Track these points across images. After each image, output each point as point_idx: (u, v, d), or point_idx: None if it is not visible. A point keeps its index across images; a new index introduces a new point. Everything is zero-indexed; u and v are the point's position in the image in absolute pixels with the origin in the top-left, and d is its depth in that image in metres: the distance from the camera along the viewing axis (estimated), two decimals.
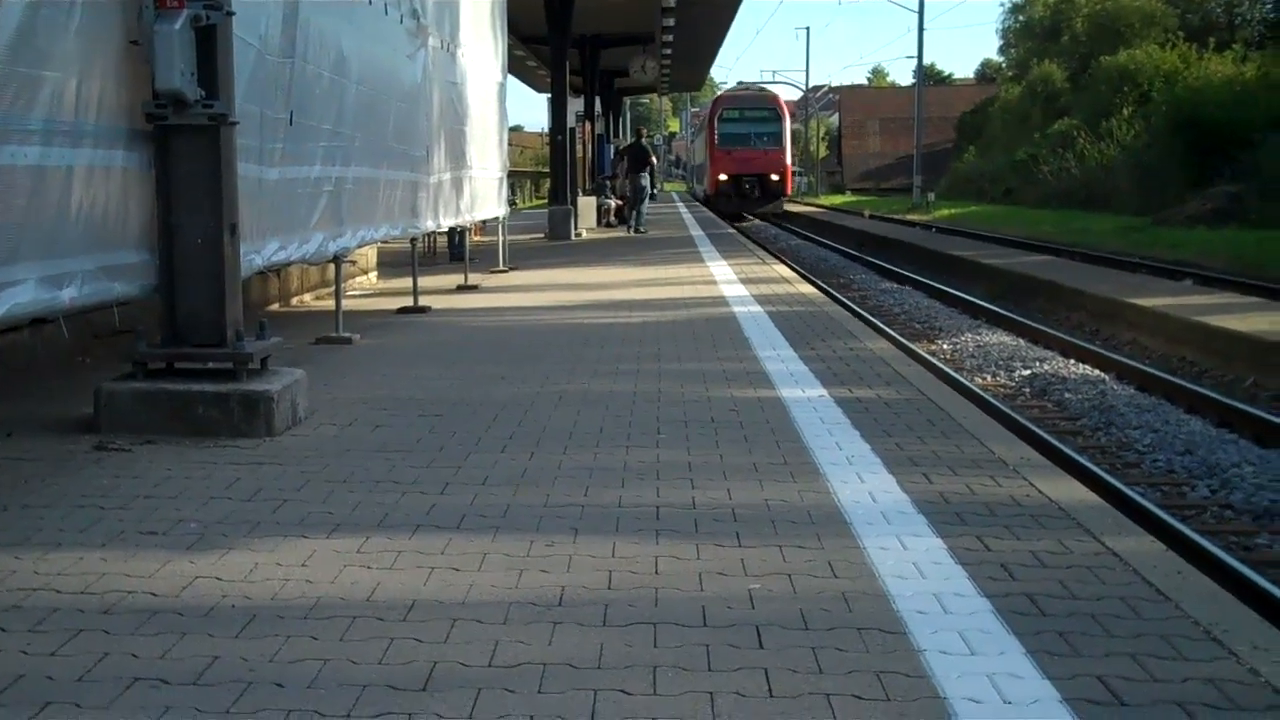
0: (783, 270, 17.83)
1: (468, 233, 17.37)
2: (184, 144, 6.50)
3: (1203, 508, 7.76)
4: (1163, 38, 49.73)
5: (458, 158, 14.34)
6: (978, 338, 15.44)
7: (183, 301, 6.64)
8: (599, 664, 3.46)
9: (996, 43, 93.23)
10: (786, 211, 49.90)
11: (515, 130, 68.20)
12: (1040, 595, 4.01)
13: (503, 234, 18.33)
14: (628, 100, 63.13)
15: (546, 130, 39.58)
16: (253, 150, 7.42)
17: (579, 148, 33.04)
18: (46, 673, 3.40)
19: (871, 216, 47.06)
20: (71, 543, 4.63)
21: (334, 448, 6.25)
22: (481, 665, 3.46)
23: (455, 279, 15.73)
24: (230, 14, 6.53)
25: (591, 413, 7.11)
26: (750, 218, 47.24)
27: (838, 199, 70.38)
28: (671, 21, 29.55)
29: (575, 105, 33.20)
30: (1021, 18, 70.99)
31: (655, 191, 37.08)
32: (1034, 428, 9.44)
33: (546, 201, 31.08)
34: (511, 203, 25.51)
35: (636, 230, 27.72)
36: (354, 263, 15.02)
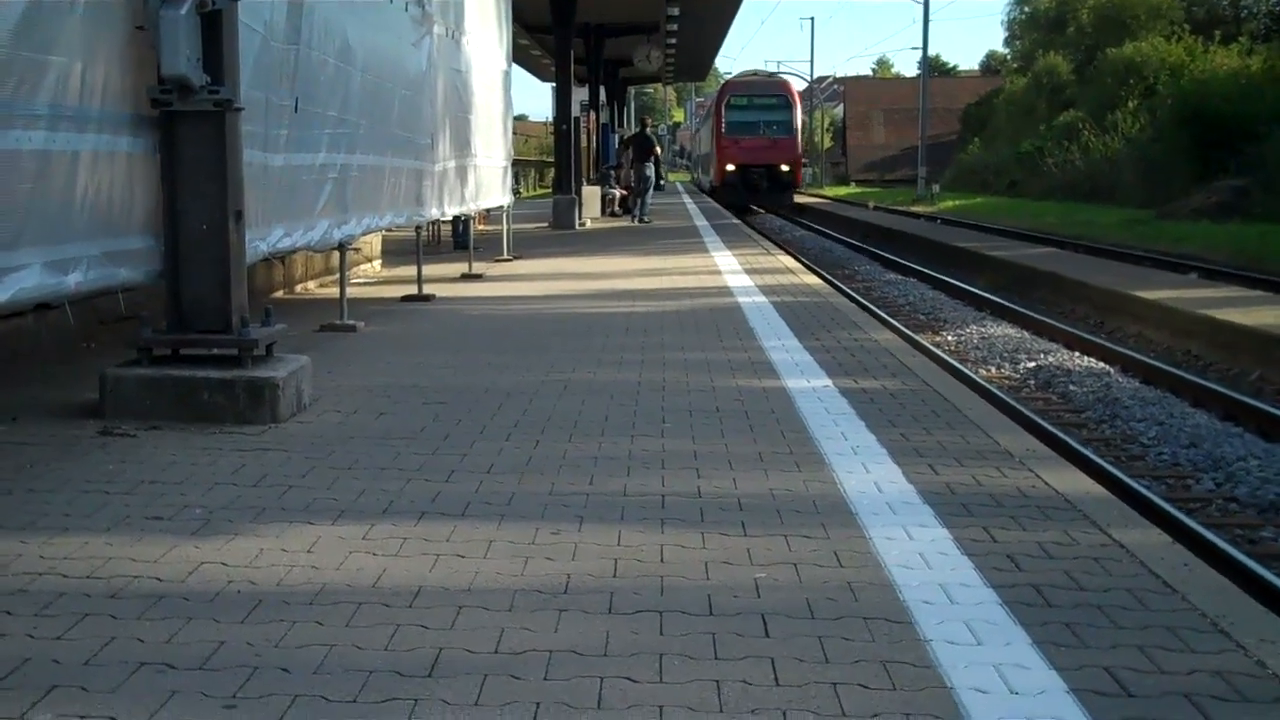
0: (787, 261, 17.81)
1: (472, 221, 17.36)
2: (189, 130, 6.49)
3: (1208, 501, 7.76)
4: (1168, 30, 49.68)
5: (462, 146, 14.33)
6: (982, 329, 15.42)
7: (188, 287, 6.64)
8: (605, 651, 3.46)
9: (1002, 34, 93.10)
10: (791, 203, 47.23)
11: (520, 119, 68.17)
12: (1046, 586, 4.01)
13: (507, 223, 18.31)
14: (632, 90, 63.02)
15: (551, 119, 39.48)
16: (258, 137, 7.41)
17: (583, 137, 33.00)
18: (53, 656, 3.40)
19: (876, 208, 46.92)
20: (77, 527, 4.63)
21: (339, 434, 6.24)
22: (488, 652, 3.45)
23: (459, 267, 15.72)
24: (236, 0, 6.52)
25: (596, 401, 7.11)
26: (758, 210, 45.23)
27: (842, 190, 70.32)
28: (676, 11, 29.53)
29: (580, 95, 33.22)
30: (1027, 9, 70.91)
31: (663, 183, 37.01)
32: (1039, 420, 9.44)
33: (551, 191, 31.08)
34: (516, 192, 25.49)
35: (641, 220, 27.70)
36: (358, 250, 15.01)
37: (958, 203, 46.60)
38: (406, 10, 11.39)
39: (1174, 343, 13.73)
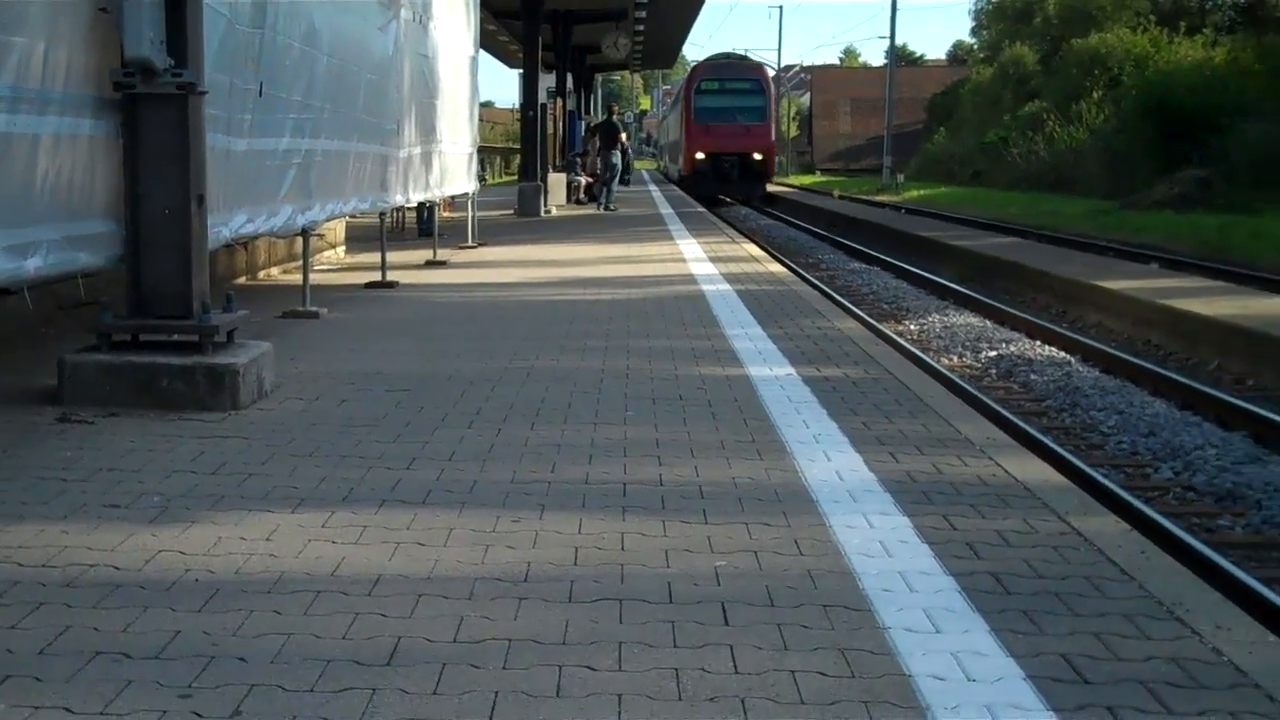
0: (752, 249, 17.83)
1: (437, 208, 17.29)
2: (152, 113, 6.44)
3: (1166, 489, 7.81)
4: (1134, 21, 49.85)
5: (428, 132, 14.27)
6: (945, 319, 15.48)
7: (148, 273, 6.59)
8: (564, 640, 3.46)
9: (969, 24, 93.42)
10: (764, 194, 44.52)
11: (486, 106, 67.91)
12: (1005, 574, 4.03)
13: (472, 210, 18.25)
14: (599, 77, 62.87)
15: (518, 106, 39.29)
16: (221, 120, 7.36)
17: (550, 124, 32.92)
18: (7, 646, 3.37)
19: (841, 197, 46.94)
20: (33, 515, 4.59)
21: (300, 422, 6.21)
22: (447, 641, 3.45)
23: (424, 254, 15.66)
24: None
25: (559, 389, 7.10)
26: (729, 201, 43.01)
27: (808, 179, 70.40)
28: None
29: (547, 81, 33.10)
30: (994, 0, 71.08)
31: (629, 177, 36.80)
32: (1000, 408, 9.48)
33: (517, 178, 30.99)
34: (481, 178, 25.41)
35: (606, 208, 27.67)
36: (322, 236, 14.93)
37: (922, 192, 46.72)
38: None
39: (1134, 332, 13.82)
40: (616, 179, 29.14)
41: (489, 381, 7.31)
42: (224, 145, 7.46)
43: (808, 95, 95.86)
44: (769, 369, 7.74)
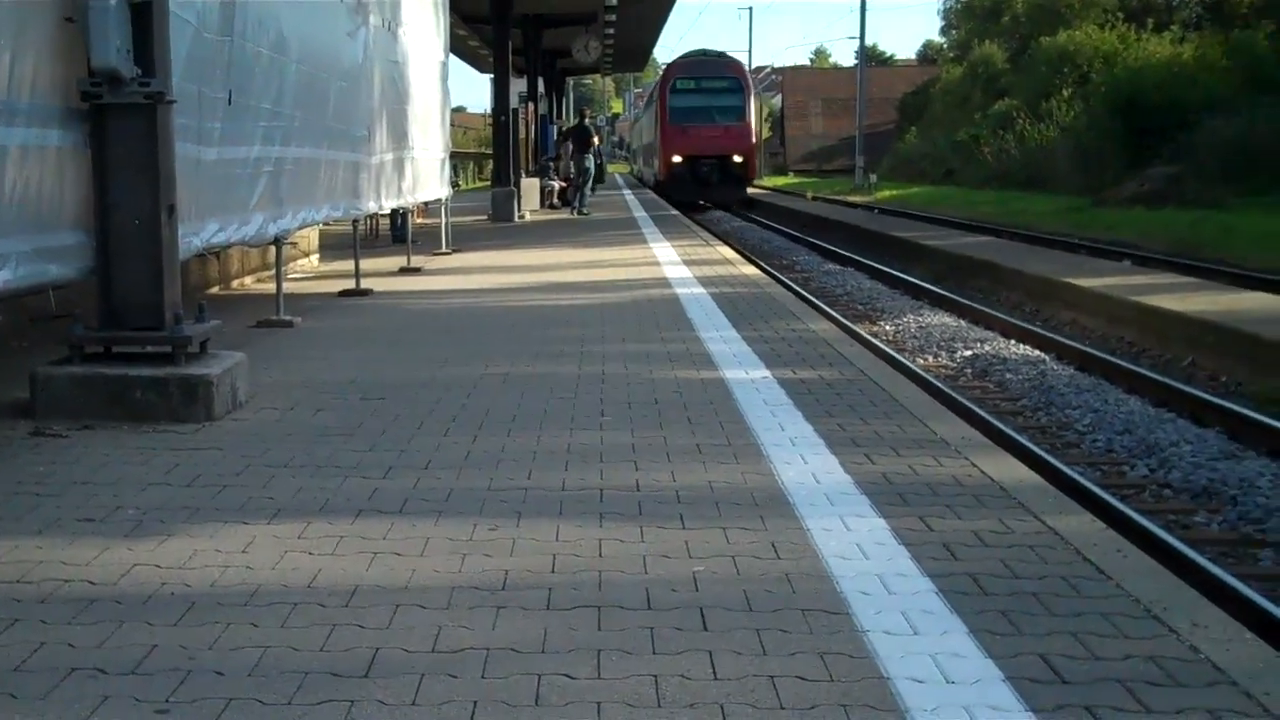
0: (726, 252, 17.84)
1: (410, 214, 17.26)
2: (120, 123, 6.40)
3: (1141, 487, 7.84)
4: (1102, 19, 50.10)
5: (400, 138, 14.25)
6: (919, 319, 15.51)
7: (120, 284, 6.55)
8: (543, 648, 3.45)
9: (938, 24, 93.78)
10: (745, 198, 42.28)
11: (458, 111, 67.90)
12: (982, 575, 4.04)
13: (445, 216, 18.21)
14: (571, 81, 62.89)
15: (489, 111, 39.15)
16: (190, 130, 7.32)
17: (522, 129, 32.88)
18: None
19: (814, 198, 46.97)
20: (7, 531, 4.56)
21: (275, 432, 6.19)
22: (424, 651, 3.43)
23: (398, 261, 15.63)
24: None
25: (535, 395, 7.09)
26: (707, 206, 40.86)
27: (780, 180, 70.51)
28: (614, 1, 29.47)
29: (518, 86, 33.01)
30: None
31: (598, 186, 36.66)
32: (975, 408, 9.50)
33: (490, 183, 30.94)
34: (454, 184, 25.35)
35: (580, 212, 27.65)
36: (295, 245, 14.87)
37: (895, 192, 46.83)
38: (342, 1, 11.30)
39: (1108, 330, 13.88)
40: (590, 183, 29.11)
41: (464, 388, 7.29)
42: (194, 154, 7.42)
43: (779, 96, 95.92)
44: (744, 372, 7.75)
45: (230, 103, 8.08)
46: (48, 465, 5.50)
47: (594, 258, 16.62)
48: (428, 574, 4.07)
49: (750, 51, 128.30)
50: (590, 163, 29.04)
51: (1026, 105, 45.93)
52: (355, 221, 13.15)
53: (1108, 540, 4.47)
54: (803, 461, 5.52)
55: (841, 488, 5.10)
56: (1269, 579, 6.15)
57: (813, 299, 16.38)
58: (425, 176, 16.20)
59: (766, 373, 7.71)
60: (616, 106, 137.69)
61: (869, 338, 13.23)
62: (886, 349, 12.45)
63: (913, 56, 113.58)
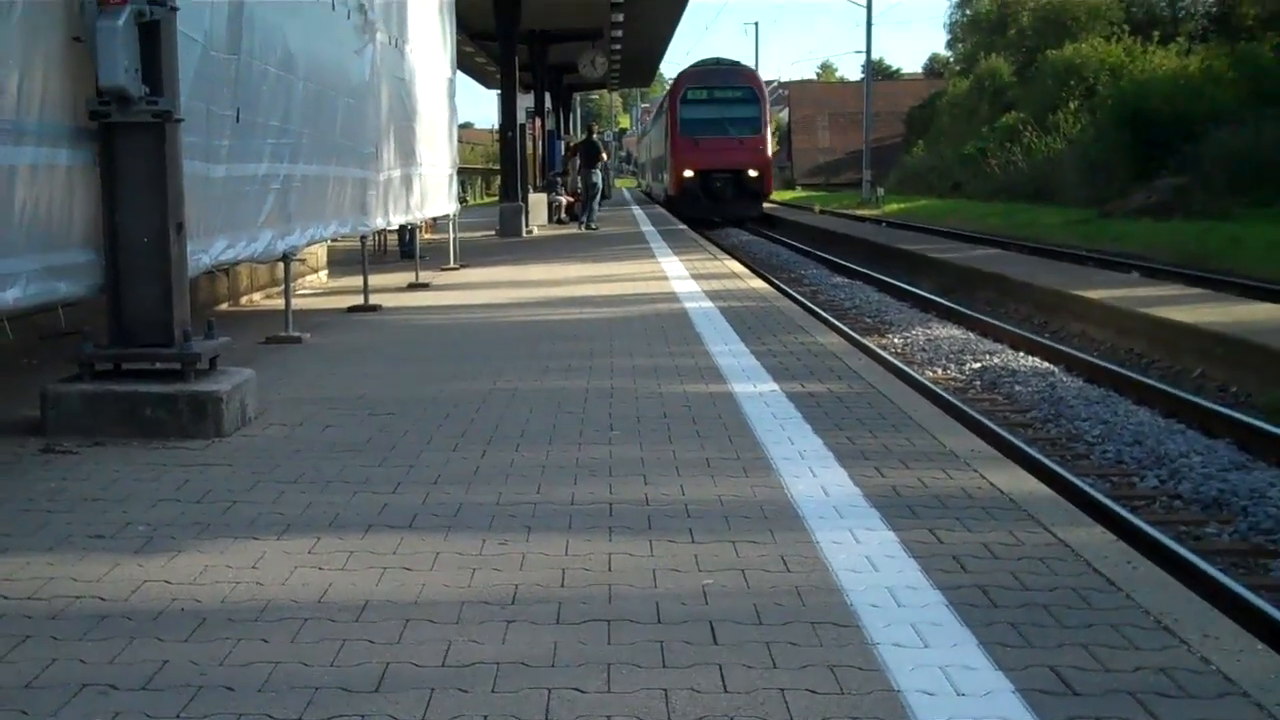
0: (734, 266, 17.85)
1: (418, 230, 17.29)
2: (129, 142, 6.42)
3: (1152, 498, 7.83)
4: (1108, 31, 50.15)
5: (407, 154, 14.28)
6: (928, 331, 15.50)
7: (129, 301, 6.57)
8: (553, 662, 3.45)
9: (944, 37, 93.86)
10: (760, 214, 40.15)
11: (465, 127, 68.01)
12: (992, 587, 4.03)
13: (453, 231, 18.25)
14: (578, 96, 62.93)
15: (496, 127, 39.15)
16: (199, 148, 7.34)
17: (529, 144, 32.94)
18: None
19: (822, 212, 46.97)
20: (18, 547, 4.57)
21: (284, 448, 6.20)
22: (435, 665, 3.43)
23: (406, 277, 15.65)
24: (174, 9, 6.46)
25: (544, 410, 7.09)
26: (719, 222, 38.45)
27: (788, 194, 70.48)
28: (620, 17, 29.56)
29: (525, 101, 33.11)
30: (968, 12, 71.37)
31: (609, 193, 36.61)
32: (985, 420, 9.49)
33: (497, 198, 30.98)
34: (462, 199, 25.42)
35: (588, 227, 27.69)
36: (303, 261, 14.92)
37: (903, 205, 46.81)
38: (349, 19, 11.34)
39: (1117, 341, 13.86)
40: (598, 198, 29.16)
41: (473, 404, 7.30)
42: (202, 172, 7.44)
43: (785, 111, 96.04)
44: (753, 385, 7.75)
45: (238, 120, 8.11)
46: (58, 482, 5.51)
47: (602, 272, 16.64)
48: (437, 589, 4.08)
49: (757, 66, 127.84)
50: (598, 177, 29.07)
51: (1033, 118, 45.96)
52: (364, 237, 13.17)
53: (1118, 552, 4.46)
54: (812, 475, 5.52)
55: (851, 501, 5.10)
56: None
57: (821, 312, 16.38)
58: (433, 192, 16.23)
59: (775, 386, 7.71)
60: (624, 121, 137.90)
61: (878, 351, 13.23)
62: (895, 362, 12.45)
63: (919, 70, 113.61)
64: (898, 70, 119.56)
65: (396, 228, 16.88)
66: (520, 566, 4.30)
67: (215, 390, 6.46)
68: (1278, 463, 8.29)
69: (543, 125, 36.75)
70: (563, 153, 36.09)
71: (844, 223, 38.77)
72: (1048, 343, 13.59)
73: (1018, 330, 14.65)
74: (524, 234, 25.52)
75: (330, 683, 3.32)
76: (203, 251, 7.45)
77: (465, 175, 44.06)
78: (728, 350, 9.23)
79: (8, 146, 5.66)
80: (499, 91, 31.39)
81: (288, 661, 3.46)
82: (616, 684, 3.30)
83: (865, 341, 13.95)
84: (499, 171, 31.09)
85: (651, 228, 28.30)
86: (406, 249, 18.56)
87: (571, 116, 57.76)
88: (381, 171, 12.82)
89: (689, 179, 37.40)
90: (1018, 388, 11.43)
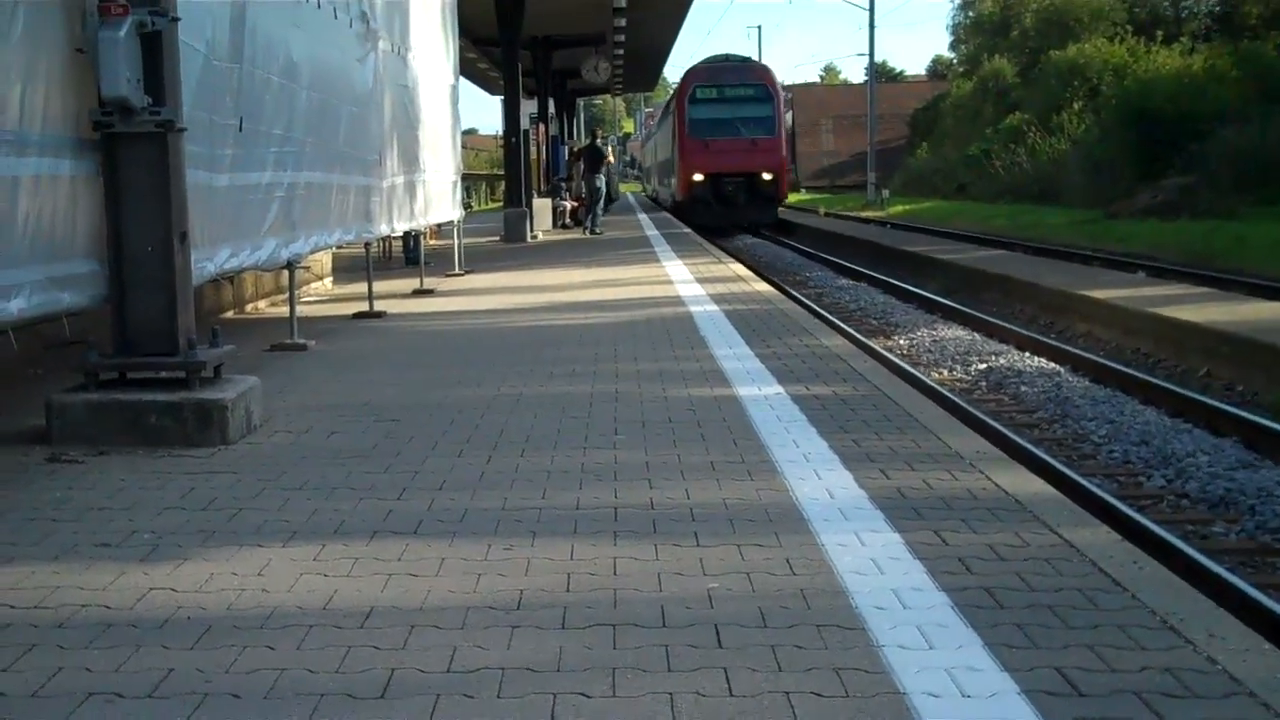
0: (738, 269, 17.83)
1: (423, 236, 17.31)
2: (132, 152, 6.44)
3: (1159, 497, 7.82)
4: (1111, 31, 50.11)
5: (411, 161, 14.29)
6: (933, 332, 15.50)
7: (134, 311, 6.58)
8: (558, 667, 3.45)
9: (947, 39, 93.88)
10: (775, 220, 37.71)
11: (469, 133, 68.06)
12: (998, 588, 4.03)
13: (458, 237, 18.26)
14: (581, 101, 63.03)
15: (500, 132, 39.16)
16: (202, 157, 7.36)
17: (533, 149, 32.94)
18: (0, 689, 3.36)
19: (827, 214, 46.96)
20: (24, 556, 4.57)
21: (289, 455, 6.20)
22: (440, 671, 3.43)
23: (411, 283, 15.67)
24: (176, 20, 6.48)
25: (549, 415, 7.09)
26: (732, 229, 35.94)
27: (793, 197, 70.31)
28: (623, 22, 29.57)
29: (528, 107, 33.12)
30: (971, 14, 71.30)
31: (615, 197, 36.51)
32: (990, 421, 9.49)
33: (502, 204, 31.01)
34: (466, 205, 25.45)
35: (592, 232, 27.70)
36: (308, 268, 14.94)
37: (908, 207, 46.81)
38: (351, 27, 11.36)
39: (1123, 341, 13.85)
40: (602, 203, 29.17)
41: (478, 409, 7.30)
42: (205, 181, 7.46)
43: (789, 114, 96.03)
44: (758, 388, 7.74)
45: (241, 129, 8.12)
46: (64, 491, 5.52)
47: (607, 276, 16.64)
48: (443, 594, 4.08)
49: None
50: (602, 182, 29.08)
51: (1037, 119, 45.93)
52: (368, 244, 13.19)
53: (1123, 552, 4.45)
54: (817, 477, 5.52)
55: (856, 503, 5.10)
56: None
57: (826, 314, 16.39)
58: (437, 199, 16.24)
59: (780, 389, 7.71)
60: (628, 126, 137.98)
61: (883, 352, 13.23)
62: (900, 363, 12.45)
63: (922, 72, 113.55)
64: (901, 72, 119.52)
65: (401, 234, 16.89)
66: (525, 571, 4.30)
67: (220, 398, 6.47)
68: None
69: (546, 131, 36.78)
70: (566, 158, 36.08)
71: (849, 225, 38.76)
72: (1054, 343, 13.58)
73: (1024, 331, 14.64)
74: (529, 239, 25.53)
75: (335, 689, 3.32)
76: (207, 260, 7.46)
77: (469, 181, 44.07)
78: (732, 353, 9.23)
79: (11, 158, 5.68)
80: (502, 97, 31.40)
81: (293, 668, 3.46)
82: (622, 688, 3.30)
83: (870, 343, 13.95)
84: (503, 177, 31.09)
85: (656, 231, 28.29)
86: (411, 255, 18.57)
87: (575, 122, 57.79)
88: (385, 178, 12.84)
89: (698, 183, 34.76)
90: (1024, 388, 11.42)
